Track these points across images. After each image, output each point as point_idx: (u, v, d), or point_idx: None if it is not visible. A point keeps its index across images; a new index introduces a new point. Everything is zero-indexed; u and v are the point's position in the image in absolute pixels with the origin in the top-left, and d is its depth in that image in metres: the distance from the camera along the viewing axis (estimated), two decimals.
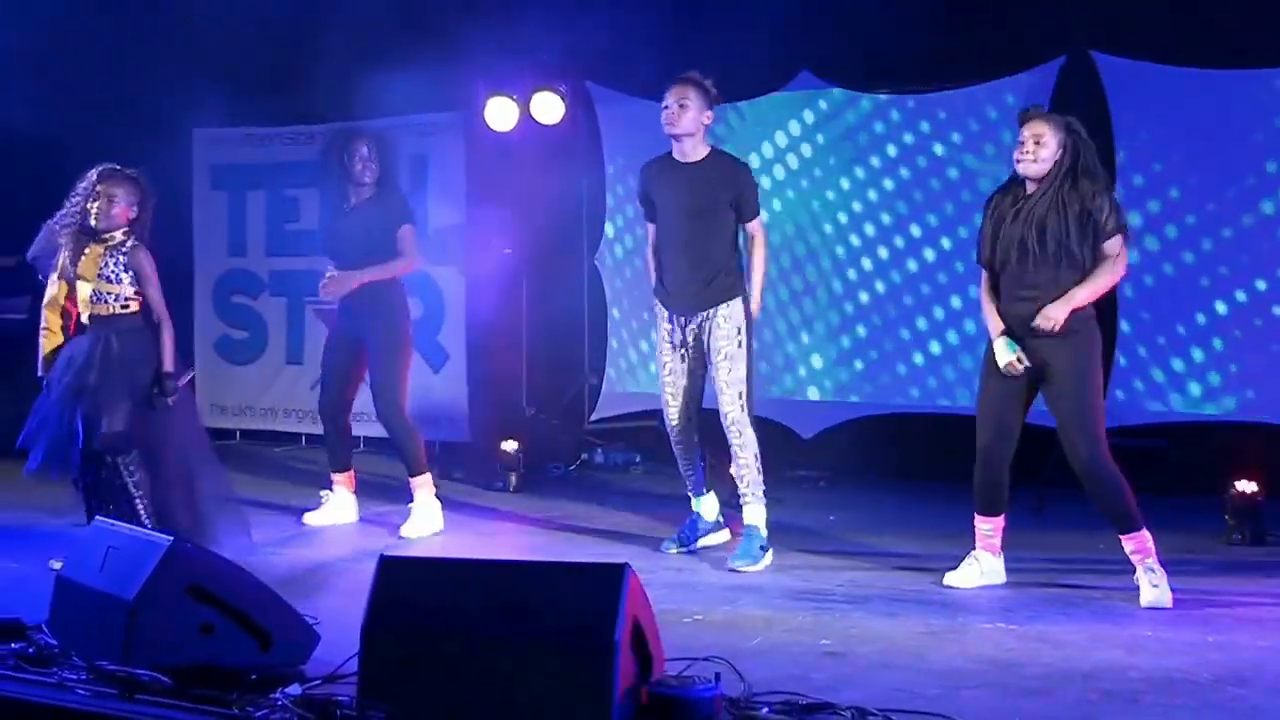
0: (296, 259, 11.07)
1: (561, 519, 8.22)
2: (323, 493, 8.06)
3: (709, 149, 7.00)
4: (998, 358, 6.15)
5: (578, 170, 10.45)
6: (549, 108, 9.98)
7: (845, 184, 9.49)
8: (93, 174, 6.78)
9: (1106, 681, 4.78)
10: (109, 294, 6.67)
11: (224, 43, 9.68)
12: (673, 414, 7.09)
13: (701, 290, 6.88)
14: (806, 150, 9.62)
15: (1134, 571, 6.02)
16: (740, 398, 6.87)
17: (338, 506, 7.99)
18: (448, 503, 8.17)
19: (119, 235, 6.72)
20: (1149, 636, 5.44)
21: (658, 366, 7.21)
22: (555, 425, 10.45)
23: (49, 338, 6.84)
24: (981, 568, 6.34)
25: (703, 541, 7.20)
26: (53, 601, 5.03)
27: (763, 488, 6.91)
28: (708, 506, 7.28)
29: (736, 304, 6.91)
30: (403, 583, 4.24)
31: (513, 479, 9.31)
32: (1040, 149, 6.04)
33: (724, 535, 7.26)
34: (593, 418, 10.43)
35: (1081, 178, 6.02)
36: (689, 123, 6.89)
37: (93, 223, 6.66)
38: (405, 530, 7.68)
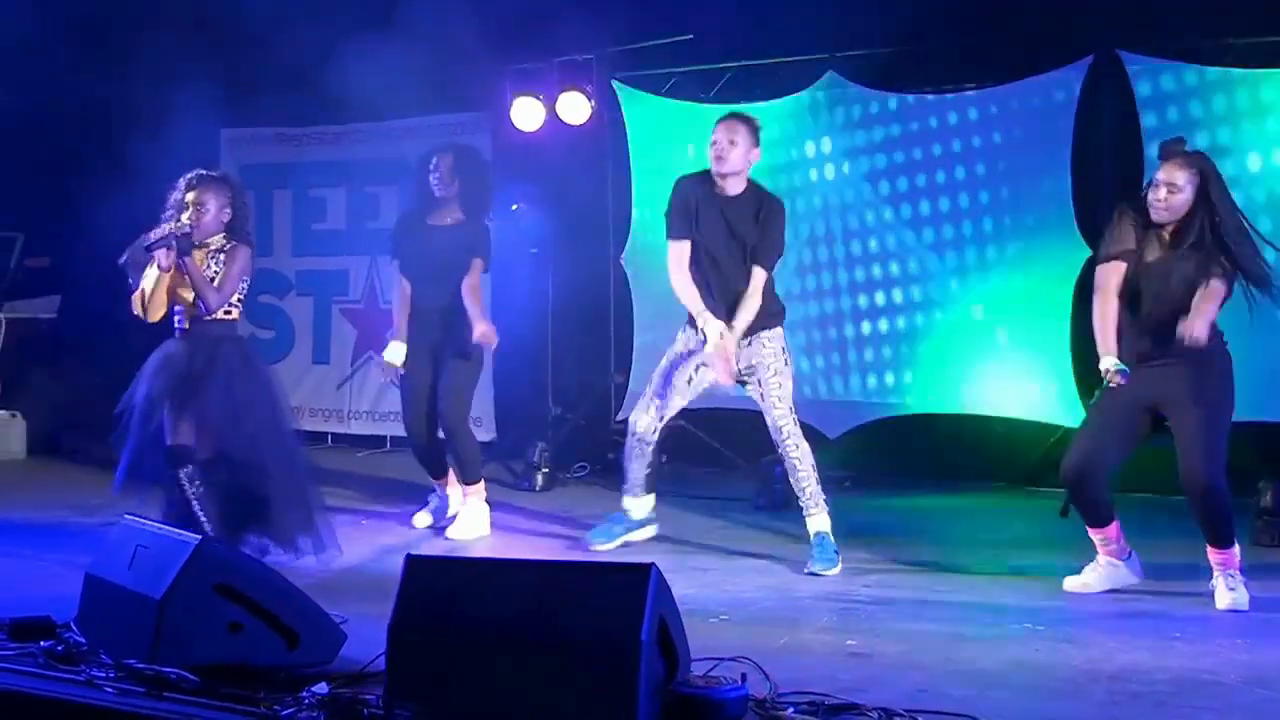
0: (323, 259, 11.13)
1: (587, 519, 8.20)
2: (430, 496, 8.06)
3: (747, 182, 6.97)
4: (1105, 366, 6.03)
5: (604, 170, 10.45)
6: (575, 107, 9.97)
7: (872, 184, 9.48)
8: (180, 183, 6.65)
9: (1133, 683, 4.76)
10: None
11: (251, 42, 9.71)
12: (644, 417, 7.03)
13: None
14: (834, 151, 9.61)
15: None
16: (792, 411, 6.92)
17: (455, 506, 7.94)
18: None
19: (219, 239, 6.65)
20: (1177, 639, 5.42)
21: (658, 369, 7.09)
22: (581, 425, 10.46)
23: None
24: (1100, 573, 6.28)
25: (629, 537, 7.15)
26: (82, 599, 5.06)
27: (823, 496, 6.93)
28: (641, 506, 7.21)
29: (778, 330, 6.98)
30: (429, 582, 4.25)
31: (539, 479, 9.32)
32: (1173, 197, 5.97)
33: (650, 531, 7.22)
34: (618, 417, 10.42)
35: (1209, 226, 5.94)
36: (737, 160, 6.87)
37: (194, 238, 6.50)
38: (451, 532, 7.62)
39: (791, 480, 6.96)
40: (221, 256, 6.61)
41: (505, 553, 7.07)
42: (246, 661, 4.53)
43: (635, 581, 4.04)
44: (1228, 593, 5.91)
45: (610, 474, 9.96)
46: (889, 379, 9.49)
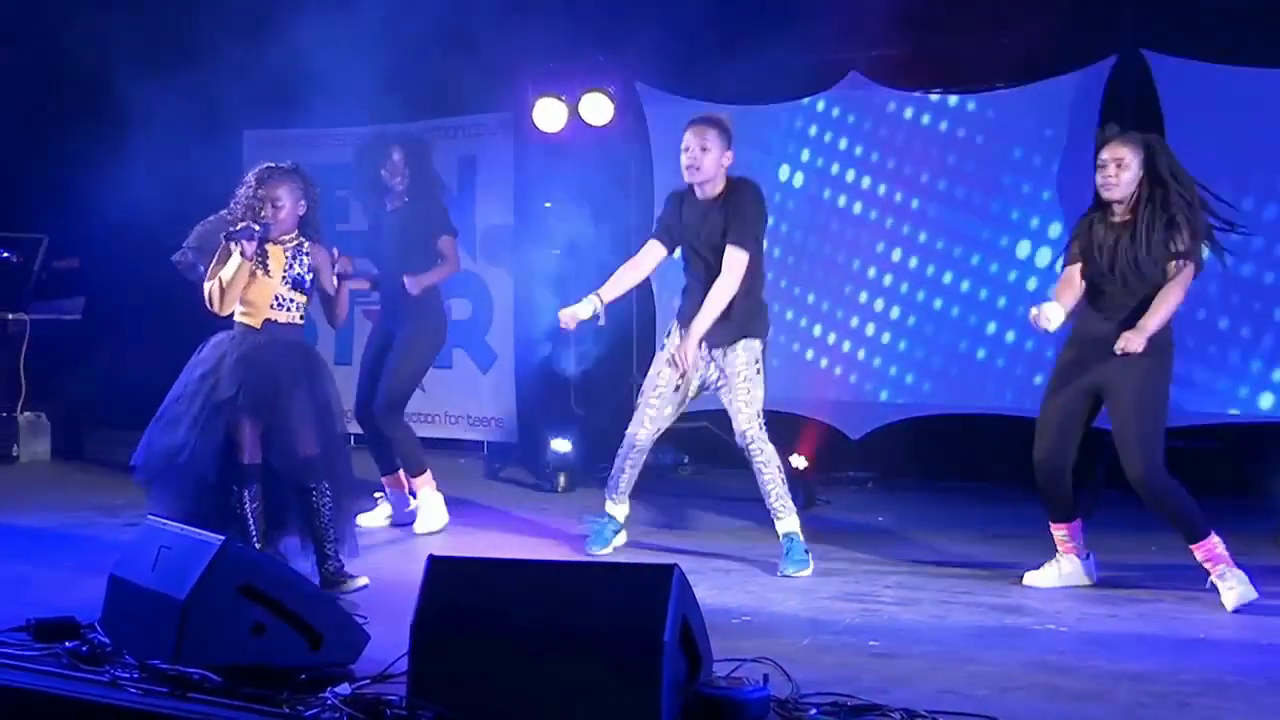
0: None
1: None
2: (376, 494, 8.06)
3: (725, 182, 6.90)
4: (1044, 314, 6.02)
5: (626, 171, 10.45)
6: (598, 109, 9.98)
7: (895, 184, 9.47)
8: (250, 179, 6.35)
9: (1157, 684, 4.74)
10: (293, 302, 6.34)
11: (273, 45, 9.74)
12: (643, 430, 7.02)
13: (723, 324, 6.80)
14: (857, 150, 9.60)
15: (1204, 577, 6.01)
16: (758, 417, 6.82)
17: (389, 508, 8.00)
18: (496, 503, 8.19)
19: (293, 236, 6.36)
20: (1200, 639, 5.41)
21: (647, 380, 7.08)
22: (604, 426, 10.45)
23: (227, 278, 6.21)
24: (1060, 570, 6.32)
25: (617, 541, 7.14)
26: (106, 601, 5.07)
27: (790, 498, 6.86)
28: (623, 510, 7.18)
29: (756, 344, 6.87)
30: (452, 582, 4.25)
31: (561, 479, 9.33)
32: (1123, 172, 6.02)
33: (623, 537, 7.20)
34: None
35: (1161, 201, 5.99)
36: (710, 167, 6.82)
37: (271, 236, 6.23)
38: (417, 527, 7.72)
39: (758, 484, 6.87)
40: (305, 258, 6.34)
41: (528, 553, 7.07)
42: (269, 662, 4.54)
43: (658, 582, 4.04)
44: (1229, 591, 5.88)
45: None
46: (911, 379, 9.48)
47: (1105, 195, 6.09)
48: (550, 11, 9.50)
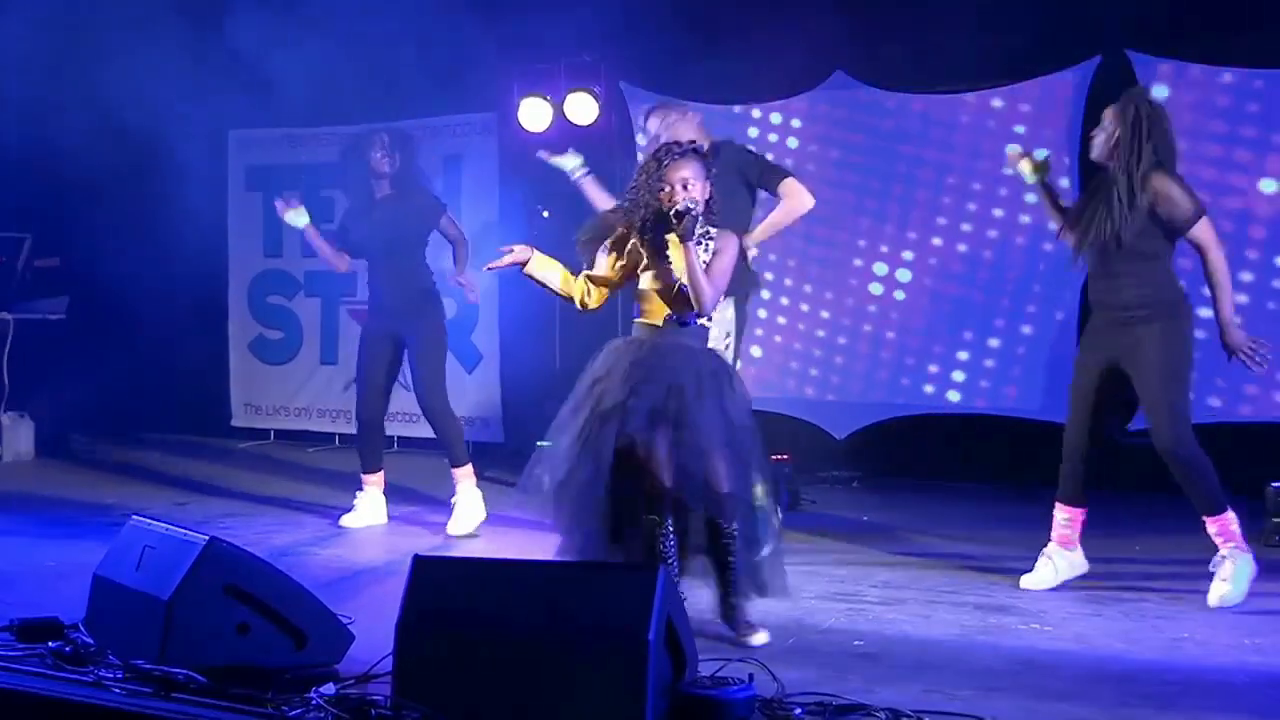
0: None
1: None
2: (358, 494, 8.03)
3: None
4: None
5: (611, 171, 10.42)
6: (583, 108, 9.97)
7: (879, 183, 9.48)
8: (649, 161, 5.55)
9: (1142, 684, 4.75)
10: None
11: (259, 44, 9.73)
12: None
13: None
14: (842, 150, 9.61)
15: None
16: None
17: (374, 507, 7.97)
18: None
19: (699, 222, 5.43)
20: (1185, 638, 5.41)
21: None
22: None
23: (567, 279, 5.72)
24: (1055, 565, 6.29)
25: None
26: (90, 600, 5.06)
27: None
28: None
29: (729, 303, 6.81)
30: (436, 582, 4.25)
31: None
32: (1098, 132, 6.05)
33: None
34: None
35: (1141, 157, 5.90)
36: None
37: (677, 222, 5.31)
38: (451, 528, 7.65)
39: None
40: (709, 243, 5.45)
41: (512, 553, 7.06)
42: (254, 662, 4.53)
43: (643, 582, 4.04)
44: (1220, 584, 5.89)
45: None
46: (896, 379, 9.49)
47: (1090, 155, 6.14)
48: (535, 11, 9.49)
